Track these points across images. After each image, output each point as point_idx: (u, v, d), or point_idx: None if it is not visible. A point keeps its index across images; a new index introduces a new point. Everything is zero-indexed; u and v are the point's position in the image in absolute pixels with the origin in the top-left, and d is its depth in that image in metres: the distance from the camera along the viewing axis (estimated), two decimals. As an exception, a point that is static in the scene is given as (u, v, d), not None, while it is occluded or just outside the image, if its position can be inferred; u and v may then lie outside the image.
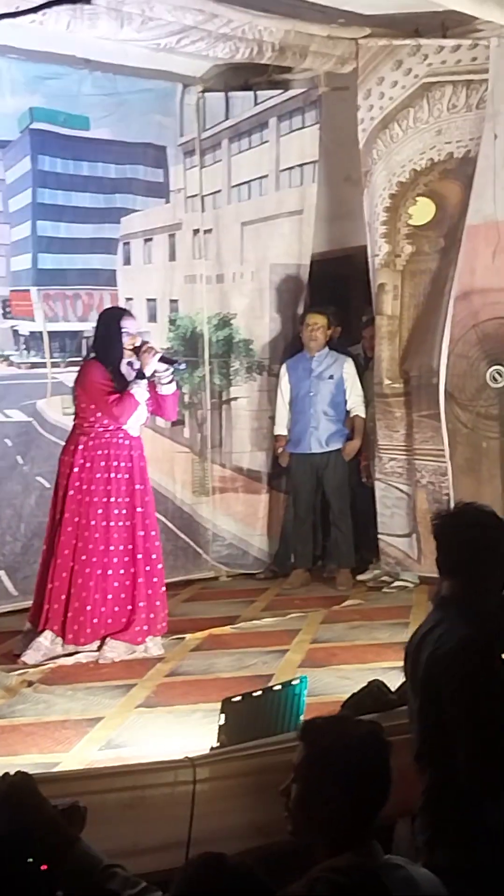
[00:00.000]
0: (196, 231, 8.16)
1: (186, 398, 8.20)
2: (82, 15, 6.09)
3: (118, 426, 6.05)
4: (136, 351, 6.07)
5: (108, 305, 7.65)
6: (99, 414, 6.03)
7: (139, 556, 6.07)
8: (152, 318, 8.11)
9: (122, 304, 7.84)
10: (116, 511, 6.04)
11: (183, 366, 6.70)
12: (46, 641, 5.95)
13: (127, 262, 8.01)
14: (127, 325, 6.13)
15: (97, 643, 5.97)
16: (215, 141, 8.18)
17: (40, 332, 7.56)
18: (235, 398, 8.22)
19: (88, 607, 5.97)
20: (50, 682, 5.58)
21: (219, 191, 8.20)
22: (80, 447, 6.03)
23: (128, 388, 6.03)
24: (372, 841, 2.58)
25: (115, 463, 6.05)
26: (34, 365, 7.47)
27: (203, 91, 8.06)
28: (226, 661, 5.85)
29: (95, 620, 5.99)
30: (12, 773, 2.61)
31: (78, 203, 7.71)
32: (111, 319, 6.20)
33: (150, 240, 8.12)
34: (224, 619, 6.78)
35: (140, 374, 6.05)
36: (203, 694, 5.13)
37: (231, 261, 8.19)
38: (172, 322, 8.13)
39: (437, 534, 3.24)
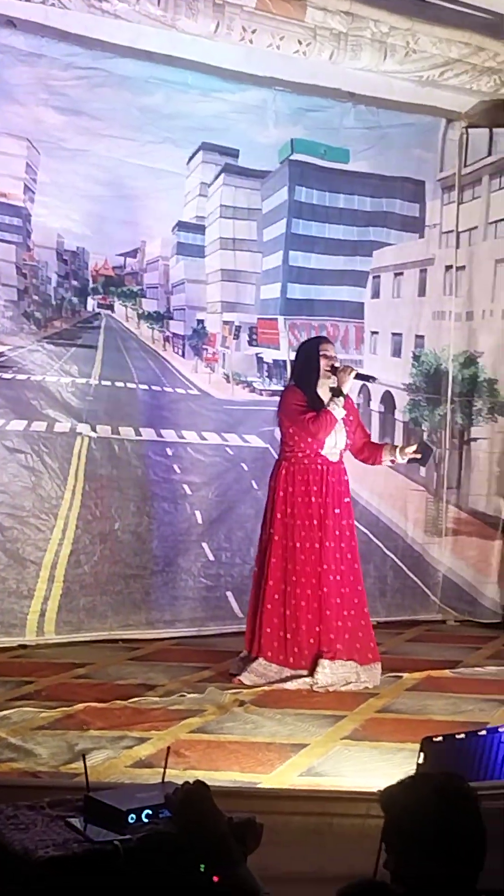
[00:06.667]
0: (448, 267, 8.05)
1: (425, 436, 8.07)
2: (346, 46, 6.15)
3: (316, 451, 6.04)
4: (335, 371, 6.05)
5: (352, 338, 7.65)
6: (297, 438, 6.04)
7: (337, 577, 6.05)
8: (396, 352, 8.06)
9: (366, 337, 7.81)
10: (320, 534, 6.03)
11: (375, 379, 6.59)
12: (260, 668, 5.99)
13: (375, 295, 8.01)
14: (325, 348, 6.15)
15: (308, 668, 5.94)
16: (476, 177, 8.06)
17: (283, 361, 7.63)
18: (476, 439, 8.00)
19: (304, 627, 5.96)
20: (261, 704, 5.58)
21: (475, 227, 8.06)
22: (283, 472, 6.09)
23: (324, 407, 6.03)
24: None
25: (315, 488, 6.05)
26: (274, 393, 7.53)
27: (467, 126, 7.96)
28: (440, 704, 5.69)
29: (312, 640, 5.97)
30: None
31: (331, 235, 7.78)
32: (311, 346, 6.22)
33: (401, 274, 8.08)
34: (445, 662, 6.61)
35: (337, 393, 6.02)
36: (412, 733, 4.94)
37: (482, 298, 8.02)
38: (416, 357, 8.03)
39: None
